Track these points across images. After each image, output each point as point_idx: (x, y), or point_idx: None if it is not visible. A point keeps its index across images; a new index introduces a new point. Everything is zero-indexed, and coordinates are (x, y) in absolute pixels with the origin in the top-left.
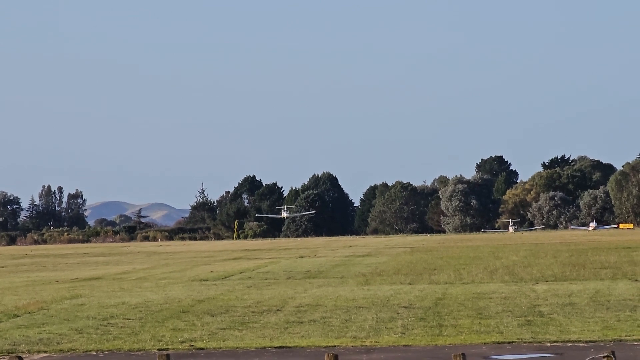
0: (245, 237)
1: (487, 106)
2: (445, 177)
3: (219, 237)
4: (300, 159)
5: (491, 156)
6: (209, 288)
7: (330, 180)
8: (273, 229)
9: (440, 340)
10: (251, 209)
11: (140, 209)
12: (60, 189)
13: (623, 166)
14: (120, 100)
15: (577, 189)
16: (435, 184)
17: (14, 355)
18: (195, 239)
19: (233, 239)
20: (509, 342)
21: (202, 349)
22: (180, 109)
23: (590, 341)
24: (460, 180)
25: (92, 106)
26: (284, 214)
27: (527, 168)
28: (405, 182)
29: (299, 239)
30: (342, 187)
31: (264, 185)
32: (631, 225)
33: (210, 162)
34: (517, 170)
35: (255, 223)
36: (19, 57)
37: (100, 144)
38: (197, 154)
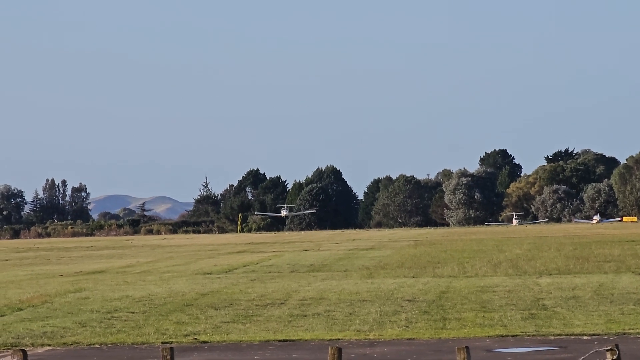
0: (249, 231)
1: (491, 100)
2: (449, 170)
3: (222, 231)
4: (304, 153)
5: (495, 149)
6: (212, 281)
7: (334, 174)
8: (277, 222)
9: (444, 334)
10: (255, 203)
11: (144, 202)
12: (64, 182)
13: (627, 159)
14: (124, 94)
15: (580, 182)
16: (439, 178)
17: (17, 348)
18: (199, 232)
19: (237, 232)
20: (512, 336)
21: (205, 342)
22: (184, 102)
23: (593, 334)
24: (464, 173)
25: (96, 100)
26: (284, 213)
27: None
28: (409, 175)
29: (302, 232)
30: (345, 180)
31: (267, 178)
32: (635, 219)
33: (214, 155)
34: (520, 164)
35: (259, 216)
36: (21, 52)
37: (104, 137)
38: (201, 148)
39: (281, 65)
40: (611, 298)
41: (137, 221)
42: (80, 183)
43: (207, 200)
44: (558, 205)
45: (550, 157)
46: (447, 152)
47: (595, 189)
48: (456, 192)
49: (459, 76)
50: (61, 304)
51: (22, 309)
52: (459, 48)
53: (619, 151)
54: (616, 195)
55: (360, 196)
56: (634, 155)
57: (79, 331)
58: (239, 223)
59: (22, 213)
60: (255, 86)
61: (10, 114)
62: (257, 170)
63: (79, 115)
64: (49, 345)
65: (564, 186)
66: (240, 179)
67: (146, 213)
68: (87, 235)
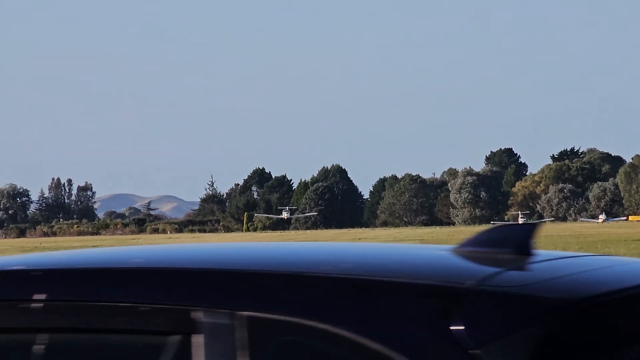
0: (255, 230)
1: (496, 98)
2: (455, 169)
3: (228, 230)
4: (310, 152)
5: (500, 148)
6: None
7: (339, 173)
8: (283, 221)
9: None
10: (261, 202)
11: (150, 201)
12: (69, 181)
13: (632, 158)
14: (128, 92)
15: (586, 181)
16: (445, 176)
17: None
18: (204, 231)
19: (242, 231)
20: None
21: None
22: (189, 101)
23: None
24: (469, 172)
25: (100, 99)
26: (285, 214)
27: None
28: (414, 174)
29: (308, 231)
30: (351, 179)
31: (273, 177)
32: None
33: (219, 154)
34: (526, 163)
35: (265, 215)
36: (25, 50)
37: (110, 136)
38: (207, 147)
39: (287, 64)
40: None
41: (142, 220)
42: (86, 182)
43: (212, 200)
44: (564, 204)
45: (556, 156)
46: (453, 151)
47: (601, 188)
48: (462, 191)
49: (464, 74)
50: None
51: None
52: (465, 45)
53: (624, 150)
54: (622, 194)
55: (366, 195)
56: None
57: None
58: (244, 222)
59: (27, 212)
60: (260, 85)
61: (15, 112)
62: (263, 169)
63: (84, 114)
64: None
65: (570, 185)
66: (245, 178)
67: (152, 212)
68: (92, 234)
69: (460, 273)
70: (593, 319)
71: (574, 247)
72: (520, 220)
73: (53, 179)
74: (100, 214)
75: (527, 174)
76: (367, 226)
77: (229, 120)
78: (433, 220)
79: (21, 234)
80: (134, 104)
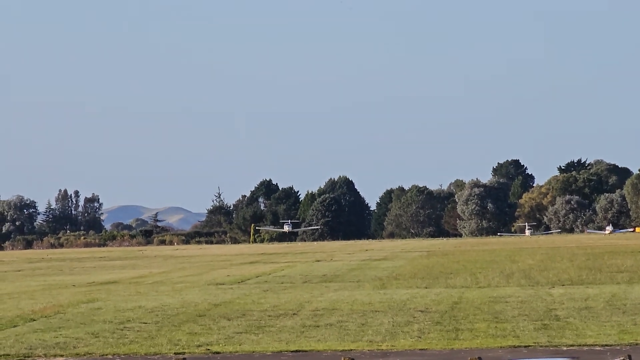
0: (262, 241)
1: (503, 110)
2: (462, 180)
3: (235, 241)
4: (317, 163)
5: (507, 160)
6: (225, 292)
7: (346, 184)
8: (285, 234)
9: (457, 344)
10: (267, 213)
11: (157, 212)
12: (76, 192)
13: (639, 170)
14: (136, 104)
15: (593, 192)
16: (452, 188)
17: (30, 359)
18: (211, 242)
19: (249, 242)
20: (525, 346)
21: (218, 352)
22: (196, 112)
23: (606, 345)
24: (476, 184)
25: (107, 111)
26: (286, 228)
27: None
28: (421, 185)
29: (315, 243)
30: (358, 191)
31: (280, 189)
32: None
33: (226, 166)
34: (533, 174)
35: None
36: (32, 59)
37: (117, 148)
38: (214, 158)
39: (294, 76)
40: (624, 309)
41: (149, 232)
42: (93, 193)
43: (219, 211)
44: (570, 216)
45: (562, 168)
46: (460, 162)
47: (608, 200)
48: (469, 202)
49: (471, 87)
50: (74, 314)
51: (34, 320)
52: (472, 58)
53: (631, 161)
54: (629, 205)
55: (373, 207)
56: None
57: (91, 342)
58: (251, 233)
59: (34, 223)
60: (268, 97)
61: (22, 124)
62: (270, 180)
63: (91, 126)
64: (62, 355)
65: (577, 197)
66: (252, 189)
67: (159, 223)
68: (99, 245)
69: None
70: None
71: (581, 259)
72: (527, 232)
73: (60, 190)
74: (107, 226)
75: (534, 185)
76: (373, 237)
77: (235, 132)
78: (440, 231)
79: (28, 245)
80: (141, 115)
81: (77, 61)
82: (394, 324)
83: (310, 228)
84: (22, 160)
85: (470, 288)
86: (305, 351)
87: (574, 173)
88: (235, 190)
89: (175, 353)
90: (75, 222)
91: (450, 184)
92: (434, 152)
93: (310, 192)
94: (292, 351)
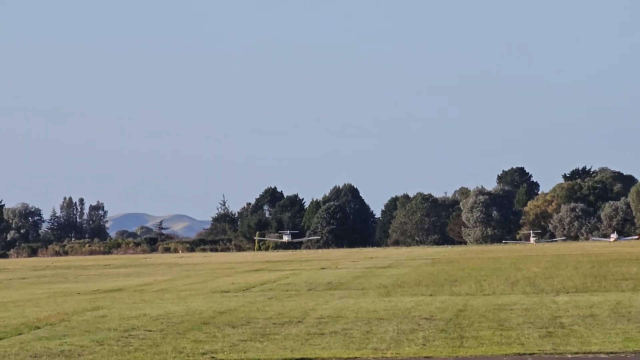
0: (267, 249)
1: (508, 118)
2: (466, 188)
3: (240, 249)
4: (321, 171)
5: (512, 167)
6: (230, 300)
7: (351, 192)
8: (284, 244)
9: (462, 352)
10: (272, 221)
11: (162, 220)
12: (81, 200)
13: None
14: (140, 112)
15: (598, 200)
16: (457, 196)
17: None
18: (216, 250)
19: (254, 250)
20: (530, 354)
21: None
22: (201, 120)
23: (611, 352)
24: (481, 191)
25: (113, 118)
26: (286, 238)
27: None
28: (426, 193)
29: (320, 250)
30: (363, 198)
31: (285, 196)
32: None
33: (231, 174)
34: (538, 182)
35: (277, 234)
36: (40, 64)
37: (122, 156)
38: (218, 166)
39: (298, 83)
40: (628, 316)
41: (154, 239)
42: (98, 201)
43: (224, 219)
44: (575, 224)
45: (567, 175)
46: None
47: (613, 207)
48: (473, 210)
49: (476, 94)
50: (79, 322)
51: (39, 327)
52: (477, 65)
53: (636, 169)
54: (633, 213)
55: (378, 214)
56: None
57: (96, 349)
58: (256, 241)
59: (39, 231)
60: (271, 104)
61: (26, 132)
62: (275, 188)
63: (96, 134)
64: None
65: (582, 204)
66: (257, 197)
67: (164, 231)
68: (104, 253)
69: None
70: None
71: (586, 267)
72: (532, 240)
73: (65, 198)
74: (112, 233)
75: (538, 193)
76: (378, 245)
77: (240, 139)
78: (445, 239)
79: (33, 253)
80: (146, 123)
81: (85, 68)
82: (398, 332)
83: (310, 238)
84: (27, 168)
85: (475, 295)
86: (310, 359)
87: (578, 181)
88: (240, 198)
89: None
90: (80, 229)
91: (455, 191)
92: (439, 160)
93: (315, 199)
94: (296, 359)
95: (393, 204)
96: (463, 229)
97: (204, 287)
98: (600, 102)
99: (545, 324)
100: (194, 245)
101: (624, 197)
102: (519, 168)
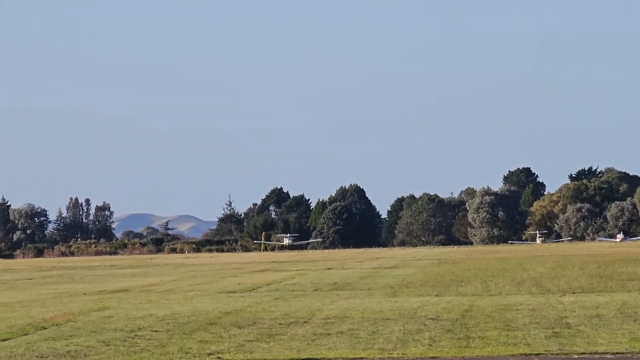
0: (273, 249)
1: (514, 118)
2: (473, 189)
3: (246, 249)
4: (328, 171)
5: (518, 168)
6: (236, 300)
7: (357, 192)
8: (300, 240)
9: (468, 352)
10: (278, 221)
11: (168, 221)
12: (87, 201)
13: None
14: (145, 114)
15: (604, 200)
16: (463, 196)
17: None
18: (222, 250)
19: (260, 250)
20: (536, 354)
21: None
22: (207, 121)
23: (617, 353)
24: (487, 192)
25: (118, 119)
26: (286, 241)
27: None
28: (432, 194)
29: (326, 251)
30: (369, 199)
31: (291, 197)
32: None
33: (237, 174)
34: (544, 182)
35: (265, 242)
36: (43, 66)
37: (128, 156)
38: (224, 167)
39: (303, 83)
40: (635, 316)
41: (160, 240)
42: (104, 202)
43: (230, 219)
44: (581, 224)
45: (573, 176)
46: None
47: (619, 208)
48: (479, 210)
49: (482, 94)
50: (85, 322)
51: (45, 328)
52: (484, 66)
53: None
54: (639, 213)
55: (384, 215)
56: None
57: (102, 350)
58: (262, 241)
59: (45, 232)
60: (278, 105)
61: (33, 133)
62: (281, 188)
63: (102, 134)
64: None
65: (588, 204)
66: (263, 197)
67: (170, 232)
68: (110, 254)
69: None
70: None
71: (592, 267)
72: (538, 240)
73: (71, 198)
74: (118, 234)
75: (545, 193)
76: (384, 246)
77: (246, 140)
78: (451, 239)
79: (39, 253)
80: (151, 124)
81: (91, 71)
82: (405, 332)
83: (310, 241)
84: (33, 169)
85: (481, 296)
86: (317, 359)
87: (584, 181)
88: (246, 199)
89: None
90: (86, 230)
91: (461, 192)
92: (445, 160)
93: (321, 200)
94: (303, 359)
95: (399, 205)
96: (469, 229)
97: (210, 287)
98: (606, 103)
99: (551, 325)
100: (200, 246)
101: (630, 198)
102: (525, 168)
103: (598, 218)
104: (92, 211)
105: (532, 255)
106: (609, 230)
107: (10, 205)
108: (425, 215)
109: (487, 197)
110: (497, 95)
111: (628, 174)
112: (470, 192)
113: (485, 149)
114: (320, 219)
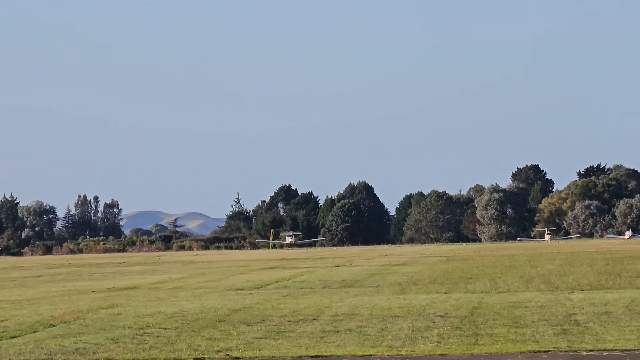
0: (281, 247)
1: (523, 115)
2: (481, 186)
3: (254, 247)
4: (336, 168)
5: (527, 165)
6: (244, 297)
7: (365, 189)
8: (308, 237)
9: (476, 349)
10: (287, 219)
11: (176, 218)
12: (96, 198)
13: None
14: (155, 110)
15: (612, 197)
16: (471, 193)
17: None
18: (231, 248)
19: (269, 248)
20: (545, 351)
21: (238, 358)
22: (215, 118)
23: (626, 350)
24: (496, 189)
25: (127, 116)
26: (289, 240)
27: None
28: (440, 191)
29: (334, 248)
30: (377, 196)
31: (299, 194)
32: None
33: (245, 171)
34: (552, 179)
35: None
36: (51, 63)
37: (136, 154)
38: (233, 164)
39: (311, 80)
40: None
41: (169, 237)
42: (112, 199)
43: (239, 216)
44: (590, 221)
45: (582, 173)
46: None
47: (627, 205)
48: (488, 207)
49: (490, 91)
50: (93, 320)
51: (54, 325)
52: (491, 63)
53: None
54: None
55: (392, 212)
56: None
57: (111, 347)
58: (270, 239)
59: (54, 229)
60: (286, 102)
61: (41, 130)
62: (289, 186)
63: (110, 132)
64: None
65: (596, 202)
66: (272, 194)
67: (178, 229)
68: (119, 251)
69: None
70: None
71: (600, 264)
72: (547, 237)
73: (79, 195)
74: (127, 231)
75: (553, 190)
76: (393, 243)
77: (255, 137)
78: (459, 236)
79: (47, 251)
80: (159, 122)
81: (100, 73)
82: (413, 329)
83: (315, 240)
84: (41, 166)
85: (489, 293)
86: (325, 356)
87: (593, 178)
88: (255, 196)
89: (194, 358)
90: (95, 227)
91: (469, 189)
92: (454, 158)
93: (329, 197)
94: (311, 356)
95: (407, 202)
96: (477, 226)
97: (218, 284)
98: (615, 100)
99: (560, 322)
100: (208, 243)
101: (638, 195)
102: (534, 165)
103: (606, 215)
104: (101, 208)
105: (540, 252)
106: (617, 227)
107: (18, 203)
108: (434, 213)
109: (495, 194)
110: (505, 92)
111: (636, 171)
112: (478, 189)
113: (493, 146)
114: (328, 216)
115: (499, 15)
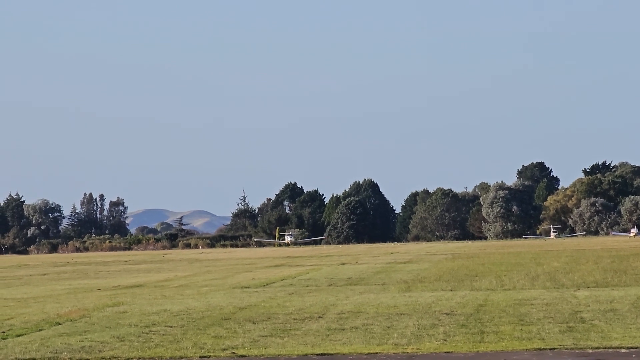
0: (287, 245)
1: (528, 113)
2: (487, 183)
3: (260, 244)
4: (342, 166)
5: (532, 162)
6: (250, 295)
7: (371, 187)
8: (314, 235)
9: (482, 347)
10: (292, 216)
11: (182, 216)
12: (101, 196)
13: None
14: (161, 108)
15: (618, 195)
16: (477, 191)
17: None
18: (236, 246)
19: (274, 246)
20: (550, 349)
21: (243, 356)
22: (221, 116)
23: (632, 347)
24: (501, 186)
25: (132, 114)
26: (288, 239)
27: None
28: (446, 188)
29: (340, 246)
30: (383, 194)
31: (305, 192)
32: None
33: (251, 169)
34: (558, 177)
35: (297, 230)
36: (56, 64)
37: (141, 152)
38: (238, 162)
39: (317, 78)
40: None
41: (174, 235)
42: (118, 197)
43: (244, 214)
44: (595, 218)
45: (587, 170)
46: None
47: (633, 202)
48: (494, 205)
49: (495, 89)
50: (99, 318)
51: (60, 324)
52: (497, 60)
53: None
54: None
55: (398, 209)
56: None
57: (117, 345)
58: (276, 237)
59: (60, 227)
60: (292, 100)
61: (46, 128)
62: (295, 184)
63: (116, 130)
64: (87, 359)
65: (602, 199)
66: (277, 192)
67: (184, 227)
68: (124, 249)
69: None
70: None
71: (606, 261)
72: (552, 235)
73: (85, 194)
74: (132, 229)
75: (558, 187)
76: (398, 240)
77: (260, 135)
78: (465, 234)
79: (53, 249)
80: (165, 120)
81: (105, 71)
82: (419, 327)
83: (314, 239)
84: (47, 165)
85: (495, 291)
86: (331, 354)
87: (598, 175)
88: (260, 194)
89: (200, 356)
90: (101, 226)
91: (475, 186)
92: (459, 155)
93: (335, 195)
94: (317, 354)
95: (413, 199)
96: (483, 224)
97: (224, 282)
98: (621, 97)
99: (565, 319)
100: (214, 241)
101: None
102: (539, 163)
103: (612, 212)
104: (106, 207)
105: (546, 249)
106: (623, 225)
107: (24, 201)
108: (439, 210)
109: (501, 192)
110: (511, 89)
111: None
112: (484, 187)
113: (499, 144)
114: (334, 214)
115: (505, 11)
